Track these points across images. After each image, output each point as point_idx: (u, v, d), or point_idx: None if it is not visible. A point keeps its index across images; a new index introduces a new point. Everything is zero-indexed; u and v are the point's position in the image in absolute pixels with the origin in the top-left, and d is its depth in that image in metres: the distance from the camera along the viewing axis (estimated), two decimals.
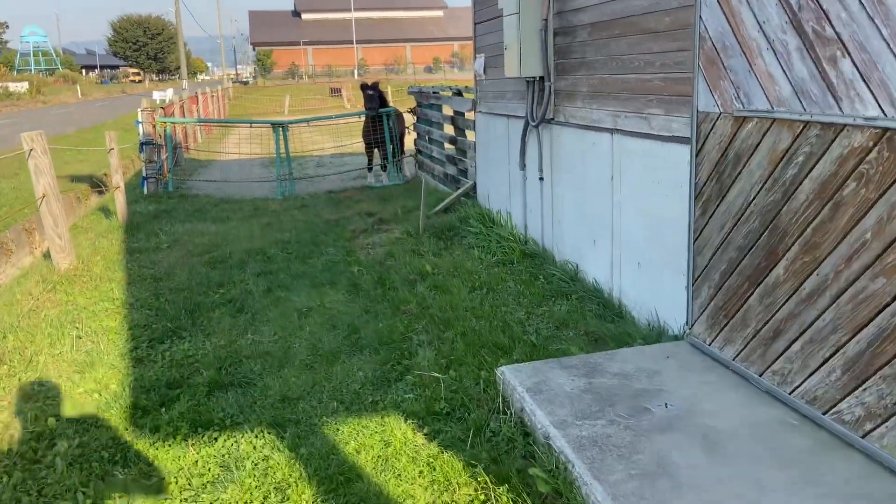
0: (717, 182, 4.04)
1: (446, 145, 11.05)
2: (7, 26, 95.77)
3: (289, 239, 8.74)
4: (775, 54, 3.50)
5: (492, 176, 8.67)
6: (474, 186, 9.41)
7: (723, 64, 3.92)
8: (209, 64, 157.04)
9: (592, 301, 5.85)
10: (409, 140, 13.99)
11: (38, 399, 4.60)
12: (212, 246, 8.56)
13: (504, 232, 7.88)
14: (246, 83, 79.79)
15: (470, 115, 9.65)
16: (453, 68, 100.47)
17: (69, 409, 4.45)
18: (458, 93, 10.19)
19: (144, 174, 11.94)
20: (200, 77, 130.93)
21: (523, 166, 7.44)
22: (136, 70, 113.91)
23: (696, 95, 4.20)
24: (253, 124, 12.45)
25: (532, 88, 6.91)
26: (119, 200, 9.48)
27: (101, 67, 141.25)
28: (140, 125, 11.90)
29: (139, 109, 11.98)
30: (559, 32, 6.38)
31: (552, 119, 6.64)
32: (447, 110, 10.95)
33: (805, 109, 3.35)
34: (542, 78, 6.73)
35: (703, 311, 4.30)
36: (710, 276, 4.18)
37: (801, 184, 3.39)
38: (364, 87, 12.48)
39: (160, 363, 5.14)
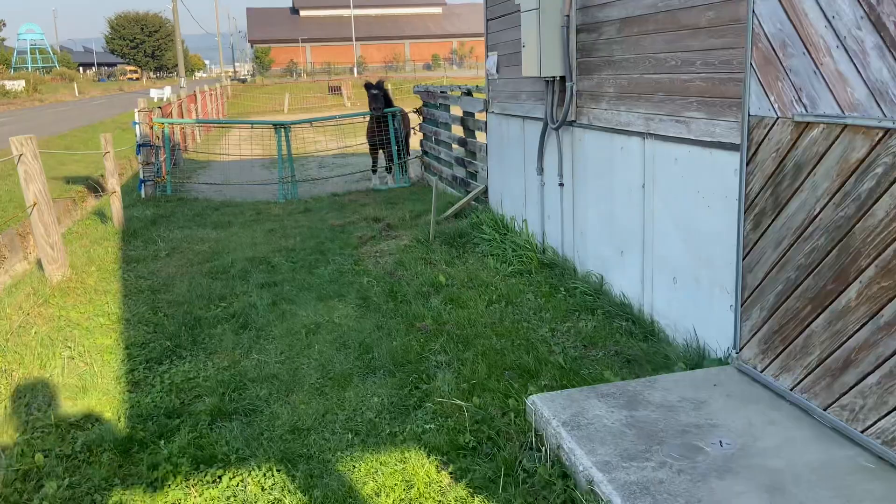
0: (773, 194, 3.65)
1: (455, 147, 10.67)
2: (4, 24, 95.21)
3: (293, 246, 8.35)
4: (847, 53, 3.12)
5: (505, 180, 8.28)
6: (486, 190, 9.03)
7: (781, 63, 3.54)
8: (207, 61, 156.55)
9: (621, 317, 5.47)
10: (415, 140, 13.61)
11: (26, 431, 4.21)
12: (212, 254, 8.17)
13: (519, 239, 7.50)
14: (244, 81, 79.33)
15: (481, 116, 9.27)
16: (452, 65, 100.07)
17: (59, 443, 4.06)
18: (468, 93, 9.80)
19: (142, 177, 11.55)
20: (198, 75, 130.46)
21: (541, 171, 7.06)
22: (133, 68, 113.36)
23: (746, 98, 3.82)
24: (254, 125, 12.06)
25: (551, 89, 6.53)
26: (115, 206, 9.09)
27: (99, 65, 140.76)
28: (137, 126, 11.50)
29: (136, 110, 11.58)
30: (582, 29, 5.99)
31: (574, 121, 6.26)
32: (456, 111, 10.57)
33: (885, 115, 2.96)
34: (562, 78, 6.35)
35: (755, 334, 3.92)
36: (764, 297, 3.80)
37: (879, 199, 3.01)
38: (368, 86, 12.09)
39: (158, 387, 4.75)
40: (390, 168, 12.54)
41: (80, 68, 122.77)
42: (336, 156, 16.82)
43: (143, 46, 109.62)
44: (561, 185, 6.62)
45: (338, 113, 35.01)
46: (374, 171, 12.58)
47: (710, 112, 4.34)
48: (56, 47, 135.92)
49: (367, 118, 12.50)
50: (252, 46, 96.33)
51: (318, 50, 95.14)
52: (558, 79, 6.40)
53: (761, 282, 3.82)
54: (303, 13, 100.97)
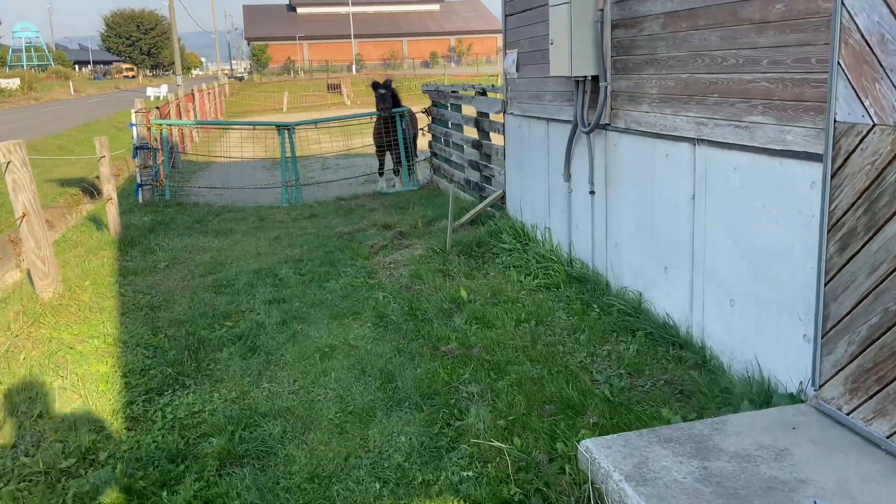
0: (868, 212, 3.18)
1: (468, 149, 10.19)
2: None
3: (300, 256, 7.87)
4: None
5: (526, 186, 7.80)
6: (503, 196, 8.55)
7: (879, 62, 3.06)
8: (203, 59, 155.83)
9: (666, 341, 4.99)
10: (422, 142, 13.12)
11: (11, 480, 3.73)
12: (215, 265, 7.69)
13: (543, 250, 7.02)
14: (241, 79, 78.77)
15: (496, 118, 8.78)
16: (451, 62, 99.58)
17: (48, 495, 3.58)
18: (483, 92, 9.31)
19: (139, 181, 11.05)
20: (195, 72, 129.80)
21: (568, 177, 6.58)
22: (129, 66, 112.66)
23: (832, 101, 3.34)
24: (257, 126, 11.56)
25: (582, 89, 6.04)
26: (111, 213, 8.59)
27: (95, 63, 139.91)
28: (134, 128, 11.00)
29: (132, 111, 11.08)
30: (619, 25, 5.51)
31: (608, 125, 5.77)
32: (469, 111, 10.08)
33: None
34: (594, 78, 5.87)
35: (840, 370, 3.44)
36: (853, 329, 3.33)
37: None
38: (376, 85, 11.59)
39: (160, 423, 4.27)
40: (398, 171, 12.05)
41: (76, 66, 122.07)
42: (340, 156, 16.32)
43: (140, 44, 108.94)
44: (592, 192, 6.14)
45: (339, 111, 34.48)
46: (381, 174, 12.10)
47: (779, 117, 3.86)
48: (52, 45, 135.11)
49: (374, 119, 12.01)
50: (249, 44, 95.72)
51: (315, 47, 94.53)
52: (590, 79, 5.92)
53: (850, 311, 3.34)
54: (300, 10, 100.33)
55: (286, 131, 11.31)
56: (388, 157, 12.17)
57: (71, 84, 69.32)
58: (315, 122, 11.76)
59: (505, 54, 8.16)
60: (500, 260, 7.30)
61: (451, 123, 10.67)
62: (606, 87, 5.70)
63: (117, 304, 6.44)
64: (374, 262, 7.55)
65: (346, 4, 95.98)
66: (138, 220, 9.90)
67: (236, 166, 15.34)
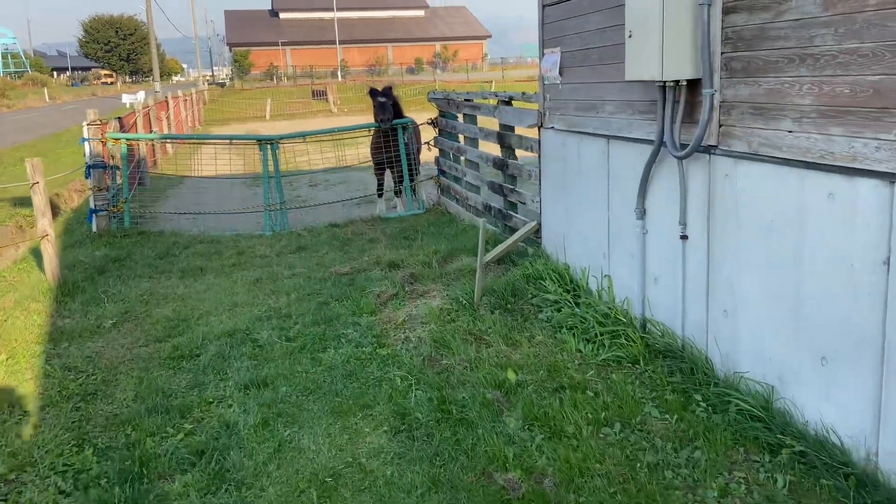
0: None
1: (486, 168, 8.57)
2: None
3: (287, 309, 6.21)
4: None
5: (572, 219, 6.18)
6: (538, 229, 6.92)
7: None
8: (185, 65, 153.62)
9: (832, 471, 3.38)
10: (426, 156, 11.48)
11: None
12: (177, 323, 6.01)
13: (601, 305, 5.41)
14: (223, 85, 76.81)
15: (528, 132, 7.17)
16: (436, 69, 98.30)
17: None
18: (507, 101, 7.69)
19: (93, 206, 9.32)
20: (175, 79, 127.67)
21: (642, 213, 4.96)
22: (108, 72, 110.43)
23: None
24: (234, 140, 9.78)
25: (671, 98, 4.43)
26: (48, 253, 6.86)
27: (73, 69, 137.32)
28: (86, 143, 9.27)
29: (84, 123, 9.34)
30: (738, 8, 3.91)
31: (714, 147, 4.17)
32: (488, 123, 8.47)
33: None
34: (691, 83, 4.27)
35: None
36: None
37: None
38: (374, 92, 9.94)
39: None
40: (399, 191, 10.40)
41: (54, 73, 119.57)
42: (330, 170, 14.64)
43: (118, 50, 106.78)
44: (684, 237, 4.52)
45: (326, 119, 32.71)
46: (380, 195, 10.44)
47: None
48: (29, 52, 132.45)
49: (372, 131, 10.35)
50: (231, 50, 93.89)
51: (298, 53, 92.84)
52: (685, 84, 4.32)
53: None
54: (282, 16, 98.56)
55: (269, 146, 9.63)
56: (387, 175, 10.52)
57: (46, 91, 67.10)
58: (303, 135, 10.07)
59: (541, 55, 6.55)
60: (544, 316, 5.67)
61: (466, 137, 9.02)
62: (713, 96, 4.10)
63: (37, 389, 4.75)
64: (382, 318, 5.90)
65: (330, 10, 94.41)
66: (88, 257, 8.17)
67: (213, 182, 13.57)
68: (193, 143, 9.92)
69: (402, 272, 7.02)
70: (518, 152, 7.80)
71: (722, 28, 4.04)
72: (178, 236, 9.25)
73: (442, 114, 10.08)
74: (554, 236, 6.61)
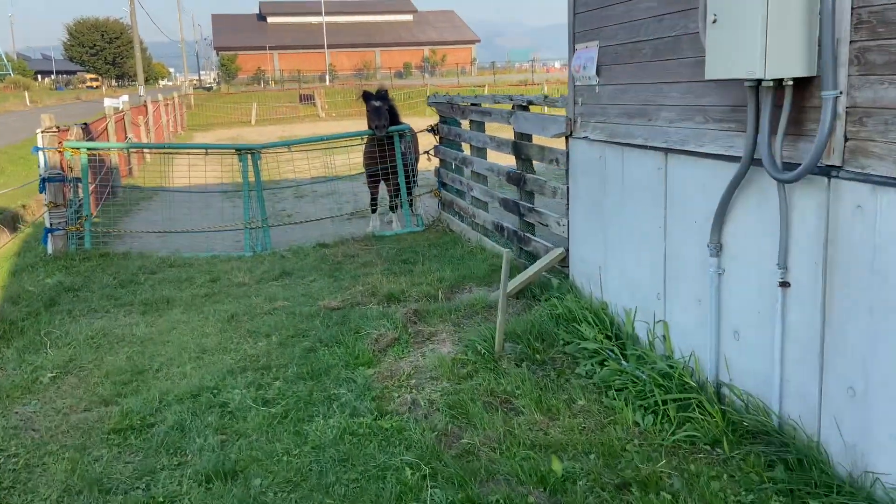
0: None
1: (498, 182, 7.51)
2: None
3: (266, 359, 5.11)
4: None
5: (612, 248, 5.11)
6: (564, 257, 5.85)
7: None
8: (172, 69, 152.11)
9: None
10: (423, 164, 10.41)
11: None
12: (130, 377, 4.90)
13: (658, 361, 4.34)
14: (209, 89, 75.56)
15: (551, 142, 6.12)
16: (424, 73, 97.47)
17: None
18: (524, 106, 6.63)
19: (48, 225, 8.17)
20: (162, 83, 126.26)
21: (718, 249, 3.90)
22: (93, 75, 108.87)
23: None
24: (210, 150, 8.63)
25: (767, 102, 3.37)
26: None
27: (58, 73, 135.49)
28: (41, 153, 8.12)
29: (38, 131, 8.19)
30: None
31: (838, 168, 3.11)
32: (500, 131, 7.41)
33: None
34: (799, 82, 3.22)
35: None
36: None
37: None
38: (368, 96, 8.85)
39: None
40: (395, 206, 9.30)
41: (38, 76, 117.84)
42: (317, 180, 13.52)
43: (104, 53, 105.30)
44: (784, 284, 3.45)
45: (313, 124, 31.48)
46: (374, 210, 9.34)
47: None
48: (13, 55, 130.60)
49: (365, 139, 9.24)
50: (218, 54, 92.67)
51: (286, 57, 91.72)
52: (790, 84, 3.26)
53: None
54: (270, 20, 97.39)
55: (249, 156, 8.51)
56: (381, 187, 9.43)
57: (27, 95, 65.58)
58: (287, 143, 8.91)
59: (573, 51, 5.49)
60: (583, 370, 4.60)
61: (472, 147, 7.93)
62: (836, 100, 3.05)
63: None
64: (382, 371, 4.80)
65: (318, 14, 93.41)
66: (37, 285, 7.03)
67: (190, 194, 12.40)
68: (167, 152, 8.79)
69: (404, 307, 5.92)
70: (536, 165, 6.75)
71: (853, 8, 2.99)
72: (145, 259, 8.11)
73: (443, 120, 9.00)
74: (586, 267, 5.54)
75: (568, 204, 5.76)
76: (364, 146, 9.25)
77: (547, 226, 6.17)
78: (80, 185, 8.56)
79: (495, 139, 7.22)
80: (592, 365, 4.64)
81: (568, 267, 5.87)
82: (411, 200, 9.39)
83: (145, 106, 19.38)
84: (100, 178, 10.64)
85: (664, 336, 4.52)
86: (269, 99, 42.33)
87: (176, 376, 4.87)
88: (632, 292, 4.88)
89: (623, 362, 4.54)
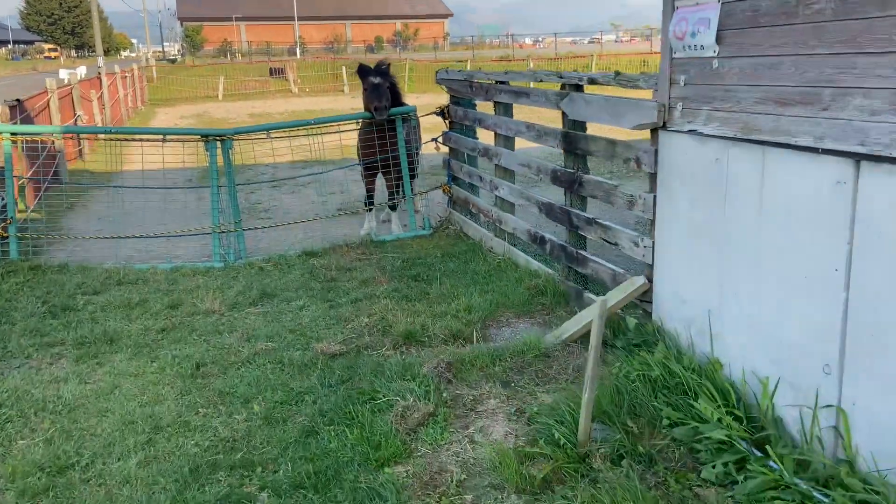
0: None
1: (536, 178, 6.01)
2: None
3: (246, 448, 3.59)
4: None
5: (736, 289, 3.64)
6: (647, 290, 4.36)
7: None
8: (134, 40, 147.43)
9: None
10: (424, 150, 8.85)
11: None
12: (46, 482, 3.35)
13: (846, 477, 2.89)
14: (173, 61, 72.72)
15: (621, 134, 4.61)
16: (396, 48, 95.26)
17: None
18: (577, 85, 5.08)
19: None
20: (124, 54, 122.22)
21: None
22: (51, 46, 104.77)
23: None
24: (168, 136, 6.85)
25: None
26: None
27: (15, 43, 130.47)
28: None
29: None
30: None
31: None
32: (529, 115, 5.88)
33: None
34: None
35: None
36: None
37: None
38: (365, 70, 7.24)
39: None
40: (396, 204, 7.74)
41: None
42: (295, 164, 11.88)
43: (62, 23, 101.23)
44: None
45: (286, 100, 29.40)
46: (370, 208, 7.77)
47: None
48: None
49: (360, 123, 7.63)
50: (182, 24, 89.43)
51: (253, 29, 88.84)
52: None
53: None
54: None
55: (219, 143, 6.87)
56: (379, 181, 7.87)
57: None
58: (266, 127, 7.26)
59: (671, 9, 3.97)
60: (710, 474, 3.16)
61: (498, 135, 6.38)
62: None
63: None
64: (417, 474, 3.30)
65: None
66: None
67: (150, 179, 10.63)
68: (114, 139, 7.07)
69: (430, 357, 4.41)
70: (589, 161, 5.25)
71: None
72: (87, 273, 6.47)
73: (456, 100, 7.43)
74: (684, 308, 4.06)
75: (654, 219, 4.27)
76: (358, 131, 7.65)
77: (616, 245, 4.67)
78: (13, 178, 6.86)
79: (535, 127, 5.67)
80: (725, 466, 3.19)
81: (650, 303, 4.39)
82: (414, 197, 7.83)
83: (99, 79, 17.44)
84: (40, 165, 8.93)
85: (838, 430, 3.08)
86: (237, 72, 40.07)
87: (115, 480, 3.32)
88: (773, 356, 3.42)
89: (773, 464, 3.10)
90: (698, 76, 3.81)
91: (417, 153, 7.99)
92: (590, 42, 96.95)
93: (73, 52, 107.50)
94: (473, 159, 7.37)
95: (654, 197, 4.24)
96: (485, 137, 7.25)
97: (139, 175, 8.23)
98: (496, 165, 6.46)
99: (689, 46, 3.82)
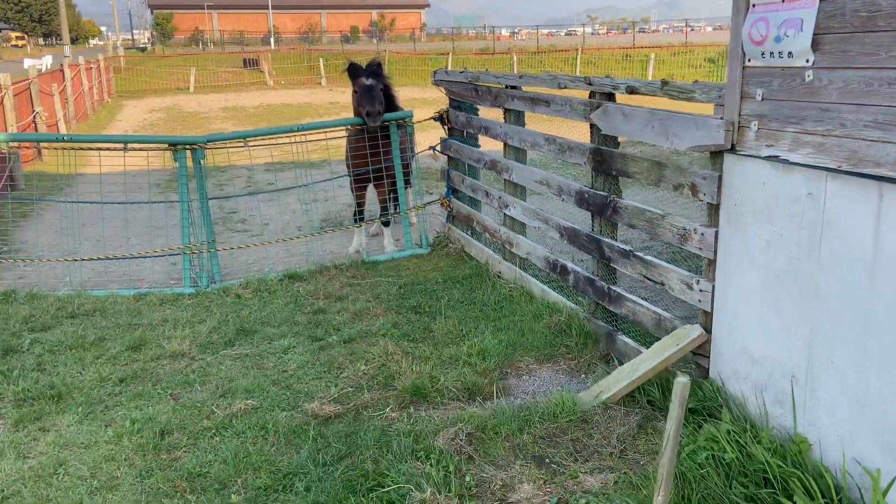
0: None
1: (556, 197, 5.26)
2: None
3: None
4: None
5: (829, 353, 2.94)
6: (703, 343, 3.64)
7: None
8: (103, 28, 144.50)
9: None
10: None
11: None
12: None
13: None
14: (143, 49, 70.98)
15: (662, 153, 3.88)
16: (372, 38, 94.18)
17: None
18: (609, 94, 4.34)
19: None
20: (93, 42, 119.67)
21: None
22: (19, 34, 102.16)
23: None
24: (129, 145, 5.91)
25: None
26: None
27: None
28: None
29: None
30: None
31: None
32: (545, 124, 5.16)
33: None
34: None
35: None
36: None
37: None
38: (355, 70, 6.43)
39: None
40: (389, 221, 6.97)
41: None
42: (279, 166, 11.07)
43: (29, 10, 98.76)
44: None
45: (261, 93, 28.23)
46: (359, 223, 6.99)
47: None
48: None
49: (349, 130, 6.83)
50: (152, 12, 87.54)
51: (226, 18, 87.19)
52: None
53: None
54: None
55: (188, 152, 6.04)
56: (370, 192, 7.10)
57: None
58: (243, 135, 6.35)
59: (748, 7, 3.24)
60: None
61: (508, 146, 5.63)
62: None
63: None
64: None
65: None
66: None
67: (113, 183, 9.72)
68: (104, 115, 6.23)
69: (444, 421, 3.67)
70: (623, 181, 4.53)
71: None
72: (37, 303, 5.63)
73: (457, 105, 6.67)
74: (755, 370, 3.36)
75: (715, 259, 3.56)
76: (347, 138, 6.84)
77: (661, 284, 3.95)
78: None
79: (555, 141, 4.93)
80: None
81: (706, 357, 3.68)
82: (410, 212, 7.06)
83: (62, 71, 16.39)
84: None
85: None
86: (210, 62, 38.83)
87: None
88: (886, 442, 2.73)
89: None
90: (783, 90, 3.10)
91: (413, 160, 7.22)
92: (567, 34, 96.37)
93: (40, 41, 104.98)
94: (475, 170, 6.63)
95: (716, 232, 3.53)
96: (486, 145, 6.51)
97: (99, 180, 7.37)
98: (506, 180, 5.71)
99: (772, 53, 3.10)
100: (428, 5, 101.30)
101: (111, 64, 31.61)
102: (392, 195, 6.95)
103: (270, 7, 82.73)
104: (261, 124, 18.00)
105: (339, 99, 25.48)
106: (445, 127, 6.84)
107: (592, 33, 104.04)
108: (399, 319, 5.19)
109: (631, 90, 4.11)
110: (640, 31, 70.20)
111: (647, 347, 4.05)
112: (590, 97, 4.53)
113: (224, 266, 6.56)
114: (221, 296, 5.84)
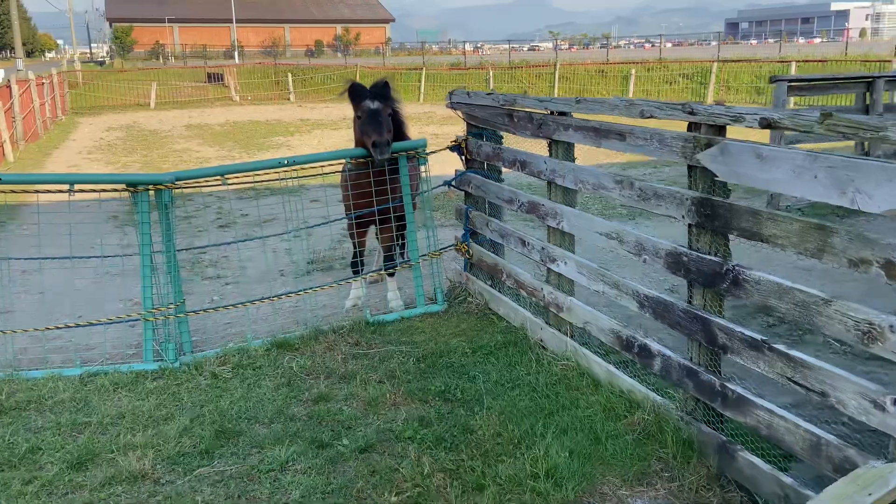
0: None
1: (639, 262, 4.20)
2: None
3: None
4: None
5: None
6: None
7: None
8: (60, 41, 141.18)
9: None
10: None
11: None
12: None
13: None
14: (102, 63, 68.85)
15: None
16: (337, 52, 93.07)
17: None
18: (720, 127, 3.24)
19: None
20: (49, 56, 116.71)
21: None
22: None
23: None
24: (77, 186, 4.68)
25: None
26: None
27: None
28: None
29: None
30: None
31: None
32: (602, 157, 4.03)
33: None
34: None
35: None
36: None
37: None
38: (358, 92, 5.23)
39: None
40: (395, 270, 5.79)
41: None
42: (251, 193, 9.83)
43: None
44: None
45: (227, 109, 26.57)
46: (357, 271, 5.79)
47: None
48: None
49: (348, 163, 5.61)
50: (111, 25, 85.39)
51: (187, 31, 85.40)
52: None
53: None
54: None
55: (151, 194, 4.78)
56: (371, 234, 5.92)
57: None
58: (220, 171, 5.01)
59: None
60: None
61: (554, 185, 4.49)
62: None
63: None
64: None
65: None
66: None
67: (65, 212, 8.28)
68: (61, 129, 4.94)
69: None
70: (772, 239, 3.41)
71: None
72: None
73: (477, 132, 5.53)
74: None
75: None
76: (343, 171, 5.62)
77: (823, 395, 2.83)
78: None
79: (634, 184, 3.79)
80: None
81: None
82: (422, 259, 5.88)
83: (9, 87, 14.91)
84: None
85: None
86: (171, 77, 37.21)
87: None
88: None
89: None
90: None
91: (424, 199, 6.05)
92: (529, 49, 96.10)
93: None
94: (497, 209, 5.49)
95: None
96: (508, 177, 5.39)
97: (51, 207, 6.07)
98: (552, 228, 4.58)
99: None
100: (393, 20, 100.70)
101: (66, 79, 29.93)
102: (401, 238, 5.78)
103: (234, 20, 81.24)
104: (228, 143, 16.68)
105: (310, 116, 24.23)
106: (463, 157, 5.70)
107: (554, 48, 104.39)
108: (426, 412, 4.02)
109: (767, 124, 3.00)
110: (600, 47, 69.87)
111: (779, 466, 2.98)
112: (688, 129, 3.43)
113: (195, 328, 5.32)
114: (193, 375, 4.60)
